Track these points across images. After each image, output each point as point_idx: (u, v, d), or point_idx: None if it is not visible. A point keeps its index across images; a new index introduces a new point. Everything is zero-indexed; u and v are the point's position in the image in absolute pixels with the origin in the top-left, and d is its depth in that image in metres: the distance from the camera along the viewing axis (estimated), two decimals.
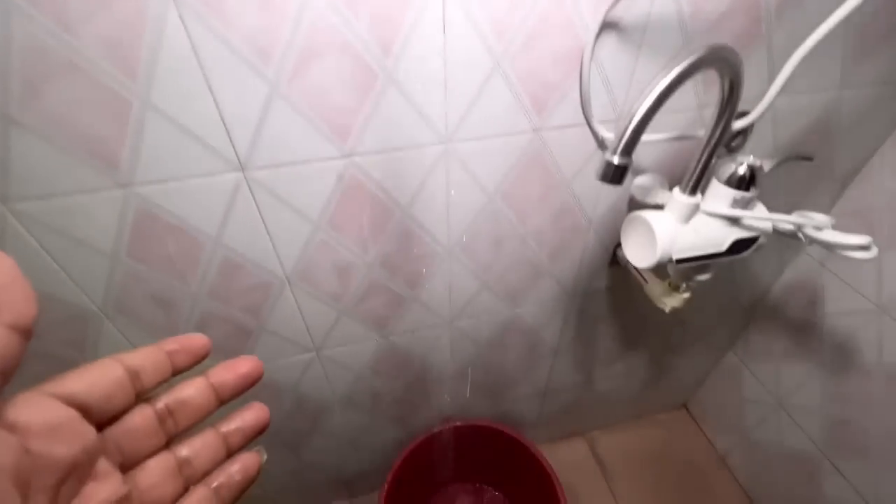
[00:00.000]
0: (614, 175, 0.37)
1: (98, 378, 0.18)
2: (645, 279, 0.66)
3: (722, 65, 0.38)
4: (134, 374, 0.19)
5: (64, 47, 0.37)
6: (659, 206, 0.55)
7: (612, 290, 0.81)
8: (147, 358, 0.20)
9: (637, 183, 0.59)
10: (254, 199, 0.51)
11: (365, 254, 0.60)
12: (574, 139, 0.56)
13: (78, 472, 0.17)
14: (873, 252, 0.45)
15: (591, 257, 0.73)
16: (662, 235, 0.50)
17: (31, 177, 0.43)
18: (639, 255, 0.54)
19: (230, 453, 0.23)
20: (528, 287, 0.75)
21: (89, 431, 0.17)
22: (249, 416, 0.23)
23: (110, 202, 0.47)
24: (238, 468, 0.22)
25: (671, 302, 0.62)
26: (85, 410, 0.17)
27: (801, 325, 0.92)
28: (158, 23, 0.38)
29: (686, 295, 0.62)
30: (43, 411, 0.16)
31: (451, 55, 0.45)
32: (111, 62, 0.39)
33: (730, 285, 0.91)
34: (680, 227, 0.51)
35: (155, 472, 0.20)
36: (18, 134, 0.40)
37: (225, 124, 0.45)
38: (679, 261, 0.52)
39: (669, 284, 0.63)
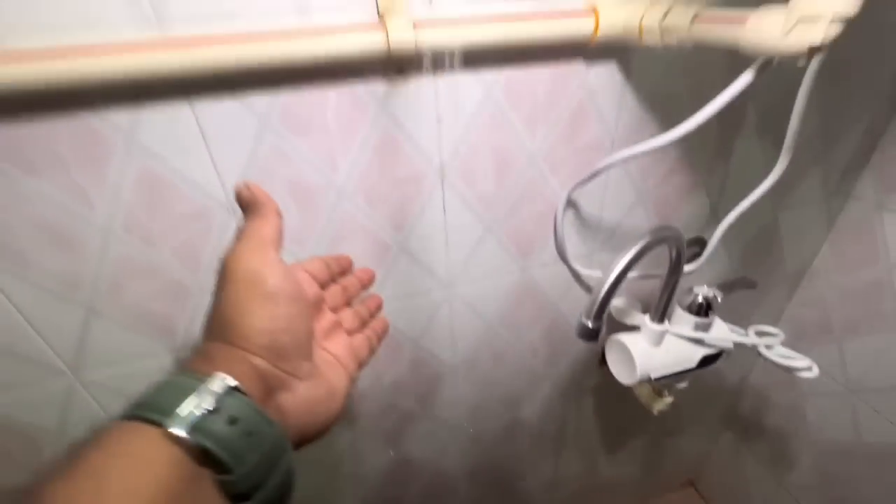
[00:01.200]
0: (590, 335, 0.46)
1: (315, 263, 0.39)
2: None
3: (668, 241, 0.48)
4: (327, 264, 0.41)
5: (145, 256, 0.46)
6: (634, 327, 0.64)
7: (605, 387, 0.88)
8: (331, 260, 0.42)
9: (614, 304, 0.68)
10: None
11: (379, 381, 0.68)
12: (556, 272, 0.66)
13: (315, 306, 0.36)
14: (815, 372, 0.53)
15: (584, 361, 0.81)
16: (640, 359, 0.58)
17: (101, 350, 0.51)
18: (622, 372, 0.62)
19: (372, 317, 0.44)
20: (528, 391, 0.81)
21: (316, 286, 0.37)
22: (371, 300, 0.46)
23: (165, 364, 0.54)
24: (380, 322, 0.44)
25: (657, 406, 0.69)
26: (313, 276, 0.38)
27: (784, 405, 0.99)
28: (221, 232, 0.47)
29: (670, 399, 0.69)
30: (303, 276, 0.36)
31: (450, 226, 0.56)
32: (180, 262, 0.48)
33: (714, 373, 0.98)
34: (654, 350, 0.60)
35: (348, 315, 0.40)
36: (97, 320, 0.49)
37: None
38: (657, 379, 0.60)
39: (654, 390, 0.70)
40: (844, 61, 0.59)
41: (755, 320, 0.91)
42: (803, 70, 0.34)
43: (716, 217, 0.69)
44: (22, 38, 0.34)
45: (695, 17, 0.37)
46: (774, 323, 0.96)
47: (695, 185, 0.64)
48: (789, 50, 0.29)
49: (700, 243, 0.73)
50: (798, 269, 0.87)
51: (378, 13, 0.40)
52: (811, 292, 0.88)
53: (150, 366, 0.53)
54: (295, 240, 0.51)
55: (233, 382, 0.24)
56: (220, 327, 0.29)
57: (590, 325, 0.45)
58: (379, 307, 0.46)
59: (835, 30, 0.27)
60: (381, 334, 0.43)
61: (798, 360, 0.54)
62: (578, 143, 0.54)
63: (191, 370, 0.25)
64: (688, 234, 0.71)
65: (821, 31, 0.27)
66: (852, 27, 0.28)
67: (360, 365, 0.39)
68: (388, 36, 0.38)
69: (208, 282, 0.50)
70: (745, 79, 0.33)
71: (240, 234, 0.32)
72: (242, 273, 0.29)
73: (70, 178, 0.41)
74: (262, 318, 0.29)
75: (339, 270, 0.43)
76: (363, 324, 0.42)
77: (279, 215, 0.33)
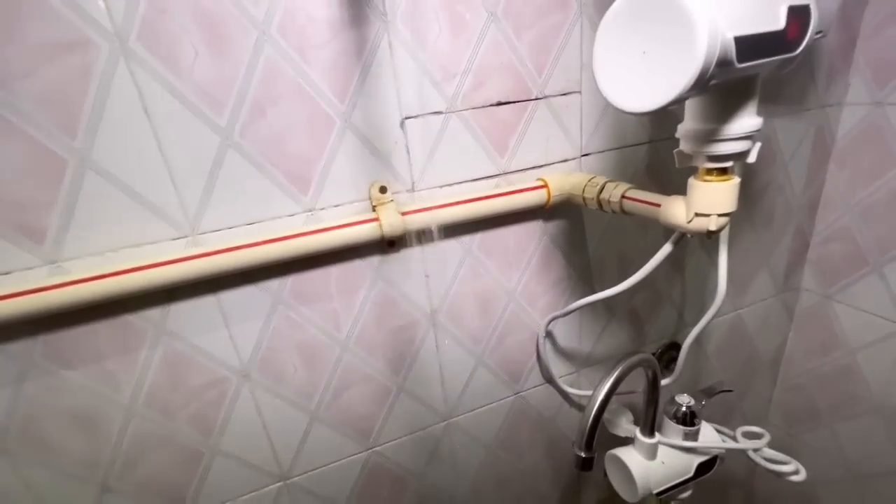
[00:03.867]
0: (584, 465, 0.49)
1: None
2: None
3: (644, 366, 0.54)
4: None
5: (162, 429, 0.50)
6: (629, 439, 0.66)
7: (613, 499, 0.86)
8: None
9: (606, 418, 0.72)
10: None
11: None
12: (546, 393, 0.70)
13: None
14: (802, 475, 0.56)
15: (587, 478, 0.81)
16: (639, 476, 0.60)
17: None
18: (624, 488, 0.64)
19: None
20: None
21: None
22: None
23: None
24: None
25: None
26: None
27: (795, 498, 0.97)
28: None
29: None
30: None
31: (444, 363, 0.61)
32: (194, 428, 0.51)
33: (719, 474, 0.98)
34: (651, 464, 0.62)
35: None
36: (109, 497, 0.50)
37: (266, 434, 0.56)
38: (659, 493, 0.61)
39: (661, 502, 0.70)
40: (764, 183, 0.71)
41: (746, 410, 0.94)
42: None
43: (683, 320, 0.76)
44: (83, 262, 0.41)
45: (623, 195, 0.46)
46: (765, 410, 0.98)
47: (659, 299, 0.72)
48: (694, 231, 0.38)
49: (675, 347, 0.79)
50: (774, 358, 0.92)
51: (372, 207, 0.49)
52: (791, 379, 0.92)
53: None
54: (304, 394, 0.55)
55: None
56: None
57: (583, 455, 0.49)
58: None
59: (723, 222, 0.36)
60: None
61: (785, 465, 0.57)
62: (549, 279, 0.62)
63: None
64: (662, 341, 0.77)
65: (713, 223, 0.36)
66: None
67: None
68: (380, 225, 0.47)
69: (219, 444, 0.52)
70: (666, 248, 0.42)
71: None
72: None
73: (102, 367, 0.45)
74: None
75: None
76: None
77: None
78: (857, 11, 0.66)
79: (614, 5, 0.28)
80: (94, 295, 0.40)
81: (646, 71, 0.27)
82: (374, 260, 0.52)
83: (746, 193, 0.71)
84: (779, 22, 0.27)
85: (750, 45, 0.26)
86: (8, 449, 0.44)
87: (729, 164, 0.35)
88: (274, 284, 0.49)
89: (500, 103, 0.51)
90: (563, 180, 0.54)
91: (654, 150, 0.61)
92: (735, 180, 0.36)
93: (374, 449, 0.61)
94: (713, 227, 0.36)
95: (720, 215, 0.36)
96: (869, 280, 0.76)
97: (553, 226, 0.59)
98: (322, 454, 0.59)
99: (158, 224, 0.43)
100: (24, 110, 0.36)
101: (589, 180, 0.51)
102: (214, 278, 0.44)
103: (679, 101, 0.27)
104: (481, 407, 0.66)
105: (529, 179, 0.55)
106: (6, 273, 0.40)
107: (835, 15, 0.50)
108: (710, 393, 0.67)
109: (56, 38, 0.36)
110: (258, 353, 0.51)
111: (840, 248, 0.79)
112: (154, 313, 0.45)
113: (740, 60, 0.26)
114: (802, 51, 0.31)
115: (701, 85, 0.26)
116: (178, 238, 0.44)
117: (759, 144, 0.35)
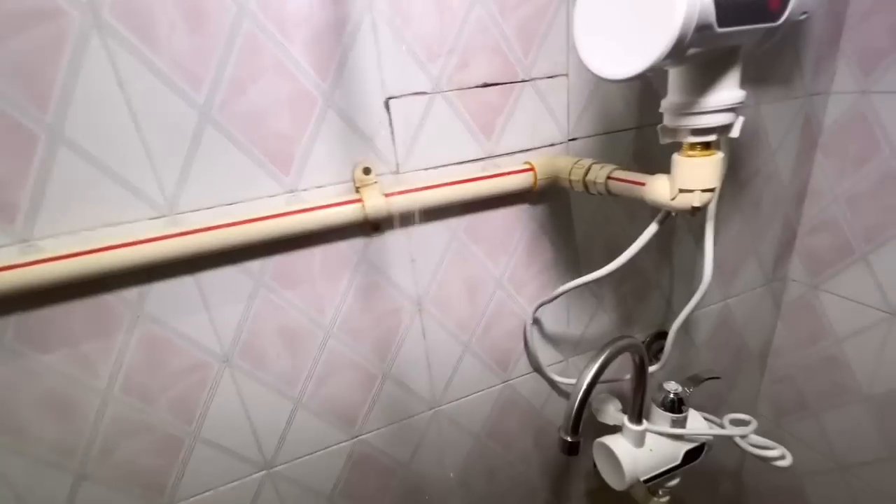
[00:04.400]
0: (570, 449, 0.49)
1: None
2: None
3: (630, 350, 0.53)
4: None
5: (140, 415, 0.49)
6: (616, 427, 0.66)
7: (602, 490, 0.86)
8: None
9: (594, 406, 0.71)
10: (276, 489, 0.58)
11: None
12: (536, 380, 0.70)
13: None
14: (788, 460, 0.56)
15: (576, 467, 0.81)
16: (627, 464, 0.60)
17: None
18: (612, 476, 0.63)
19: None
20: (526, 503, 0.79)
21: None
22: None
23: None
24: None
25: None
26: None
27: (784, 488, 0.97)
28: None
29: (665, 499, 0.69)
30: None
31: (431, 350, 0.60)
32: (174, 415, 0.50)
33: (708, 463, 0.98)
34: (638, 452, 0.62)
35: None
36: (86, 484, 0.49)
37: (249, 421, 0.55)
38: (646, 481, 0.61)
39: (648, 490, 0.70)
40: (752, 172, 0.71)
41: (735, 401, 0.95)
42: None
43: (672, 309, 0.76)
44: (57, 240, 0.40)
45: (608, 176, 0.46)
46: (753, 402, 0.99)
47: (647, 286, 0.72)
48: (678, 208, 0.38)
49: (664, 336, 0.78)
50: (762, 349, 0.92)
51: (355, 189, 0.49)
52: (779, 370, 0.92)
53: None
54: (287, 380, 0.54)
55: None
56: None
57: (569, 439, 0.48)
58: None
59: (707, 197, 0.36)
60: None
61: (771, 450, 0.57)
62: (536, 265, 0.62)
63: None
64: (650, 329, 0.77)
65: (696, 199, 0.36)
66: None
67: None
68: (364, 206, 0.46)
69: (200, 431, 0.52)
70: (652, 228, 0.42)
71: None
72: None
73: (79, 351, 0.44)
74: None
75: None
76: None
77: None
78: (842, 2, 0.67)
79: None
80: (68, 273, 0.39)
81: (625, 37, 0.27)
82: (358, 243, 0.51)
83: (734, 182, 0.71)
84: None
85: (730, 9, 0.26)
86: None
87: (712, 137, 0.34)
88: (255, 266, 0.48)
89: (485, 84, 0.51)
90: (549, 163, 0.54)
91: (642, 135, 0.61)
92: (718, 155, 0.35)
93: (359, 437, 0.61)
94: (697, 203, 0.36)
95: (704, 191, 0.36)
96: (855, 269, 0.76)
97: (540, 210, 0.59)
98: (306, 442, 0.58)
99: (135, 203, 0.42)
100: None
101: (575, 163, 0.51)
102: (193, 258, 0.43)
103: (658, 66, 0.27)
104: (469, 395, 0.66)
105: (516, 163, 0.55)
106: None
107: None
108: (697, 380, 0.67)
109: (26, 7, 0.35)
110: (239, 338, 0.50)
111: (827, 238, 0.79)
112: (131, 294, 0.44)
113: (720, 24, 0.26)
114: (784, 23, 0.31)
115: (680, 50, 0.26)
116: (155, 217, 0.43)
117: (742, 119, 0.34)
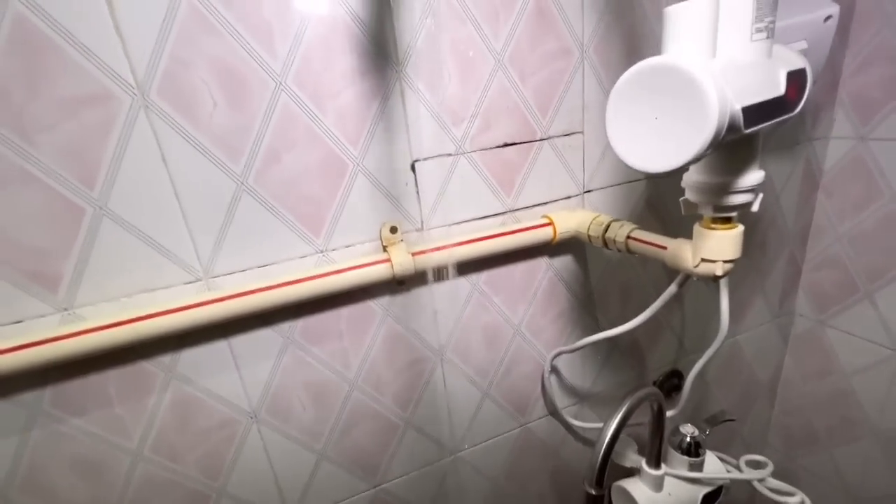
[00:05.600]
0: (594, 502, 0.49)
1: None
2: None
3: (650, 400, 0.54)
4: None
5: (168, 473, 0.49)
6: (634, 470, 0.67)
7: None
8: None
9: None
10: None
11: None
12: (550, 424, 0.70)
13: None
14: None
15: None
16: None
17: None
18: None
19: None
20: None
21: None
22: None
23: None
24: None
25: None
26: None
27: None
28: None
29: None
30: None
31: (451, 397, 0.61)
32: (201, 471, 0.50)
33: None
34: (657, 497, 0.62)
35: None
36: None
37: (273, 474, 0.55)
38: None
39: None
40: (757, 215, 0.73)
41: (746, 435, 0.95)
42: None
43: (683, 347, 0.77)
44: (96, 308, 0.41)
45: (628, 236, 0.48)
46: (765, 435, 0.99)
47: (659, 328, 0.73)
48: (701, 275, 0.39)
49: (677, 375, 0.80)
50: (771, 383, 0.93)
51: (382, 247, 0.50)
52: (789, 403, 0.93)
53: None
54: (311, 433, 0.54)
55: None
56: None
57: (594, 492, 0.49)
58: None
59: (729, 267, 0.38)
60: None
61: (790, 497, 0.58)
62: (553, 312, 0.63)
63: None
64: (663, 368, 0.78)
65: (719, 269, 0.37)
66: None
67: None
68: (392, 265, 0.48)
69: (226, 486, 0.52)
70: (671, 290, 0.43)
71: None
72: None
73: (111, 413, 0.45)
74: None
75: None
76: None
77: None
78: (839, 53, 0.70)
79: (625, 74, 0.30)
80: (106, 343, 0.40)
81: (658, 135, 0.29)
82: (383, 299, 0.53)
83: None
84: (779, 88, 0.29)
85: (755, 112, 0.28)
86: (12, 500, 0.43)
87: (734, 213, 0.36)
88: (285, 326, 0.49)
89: (506, 144, 0.53)
90: (568, 218, 0.55)
91: (654, 185, 0.63)
92: (739, 228, 0.37)
93: (380, 486, 0.61)
94: (720, 273, 0.38)
95: (726, 262, 0.37)
96: (861, 306, 0.78)
97: (558, 261, 0.60)
98: (329, 493, 0.58)
99: (172, 269, 0.43)
100: (45, 162, 0.37)
101: (594, 219, 0.53)
102: (227, 322, 0.44)
103: (692, 163, 0.29)
104: (488, 440, 0.66)
105: (534, 216, 0.56)
106: (17, 321, 0.40)
107: (824, 64, 0.53)
108: (713, 422, 0.68)
109: (79, 93, 0.36)
110: (267, 394, 0.51)
111: (831, 275, 0.81)
112: (165, 358, 0.45)
113: (747, 126, 0.28)
114: (801, 108, 0.33)
115: (712, 148, 0.28)
116: (191, 282, 0.44)
117: (761, 196, 0.36)
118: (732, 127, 0.28)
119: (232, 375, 0.48)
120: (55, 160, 0.37)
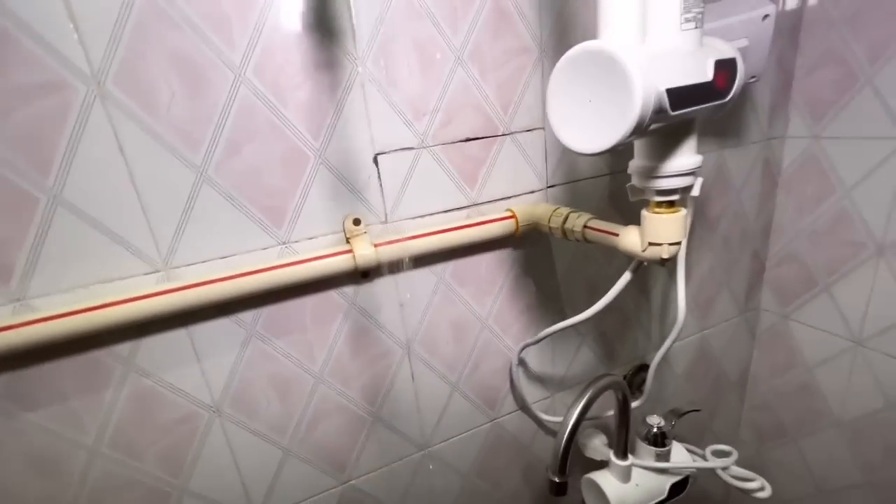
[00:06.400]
0: (559, 490, 0.50)
1: None
2: None
3: (613, 389, 0.55)
4: None
5: (127, 470, 0.48)
6: (603, 462, 0.67)
7: None
8: None
9: (581, 442, 0.73)
10: None
11: None
12: (521, 419, 0.71)
13: None
14: (767, 492, 0.58)
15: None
16: (615, 500, 0.61)
17: None
18: None
19: None
20: None
21: None
22: None
23: None
24: None
25: None
26: None
27: None
28: None
29: None
30: None
31: (420, 391, 0.61)
32: (162, 468, 0.50)
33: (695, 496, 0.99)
34: (625, 487, 0.63)
35: None
36: None
37: (237, 471, 0.54)
38: None
39: None
40: (720, 211, 0.76)
41: (718, 429, 0.97)
42: None
43: (651, 341, 0.79)
44: (51, 299, 0.41)
45: (584, 225, 0.49)
46: (735, 429, 1.01)
47: (627, 323, 0.75)
48: (649, 259, 0.41)
49: (645, 369, 0.81)
50: (740, 377, 0.95)
51: (346, 239, 0.51)
52: (757, 397, 0.95)
53: None
54: (277, 428, 0.54)
55: None
56: None
57: (556, 480, 0.50)
58: None
59: (674, 250, 0.39)
60: None
61: (751, 482, 0.59)
62: (521, 305, 0.64)
63: None
64: (633, 362, 0.80)
65: (665, 252, 0.39)
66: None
67: None
68: (354, 256, 0.48)
69: (188, 484, 0.51)
70: (626, 276, 0.45)
71: None
72: None
73: (67, 407, 0.44)
74: None
75: None
76: None
77: None
78: (790, 55, 0.73)
79: (560, 60, 0.31)
80: (60, 332, 0.39)
81: (592, 117, 0.30)
82: (348, 290, 0.53)
83: (704, 219, 0.75)
84: (707, 74, 0.31)
85: (681, 95, 0.30)
86: None
87: (675, 197, 0.38)
88: (248, 317, 0.49)
89: (468, 139, 0.54)
90: (530, 211, 0.57)
91: (615, 180, 0.65)
92: (682, 212, 0.39)
93: (349, 482, 0.60)
94: (665, 255, 0.39)
95: (671, 244, 0.39)
96: (820, 299, 0.81)
97: (522, 254, 0.62)
98: (295, 490, 0.57)
99: (130, 259, 0.43)
100: None
101: (554, 211, 0.54)
102: (187, 312, 0.44)
103: (623, 144, 0.30)
104: (458, 435, 0.66)
105: (498, 210, 0.58)
106: None
107: (765, 61, 0.55)
108: (678, 413, 0.69)
109: (32, 81, 0.37)
110: (230, 387, 0.50)
111: (792, 270, 0.84)
112: (123, 349, 0.45)
113: (673, 108, 0.29)
114: (733, 97, 0.35)
115: (640, 130, 0.29)
116: (150, 273, 0.44)
117: (700, 179, 0.38)
118: (660, 109, 0.29)
119: (193, 368, 0.48)
120: (7, 148, 0.37)
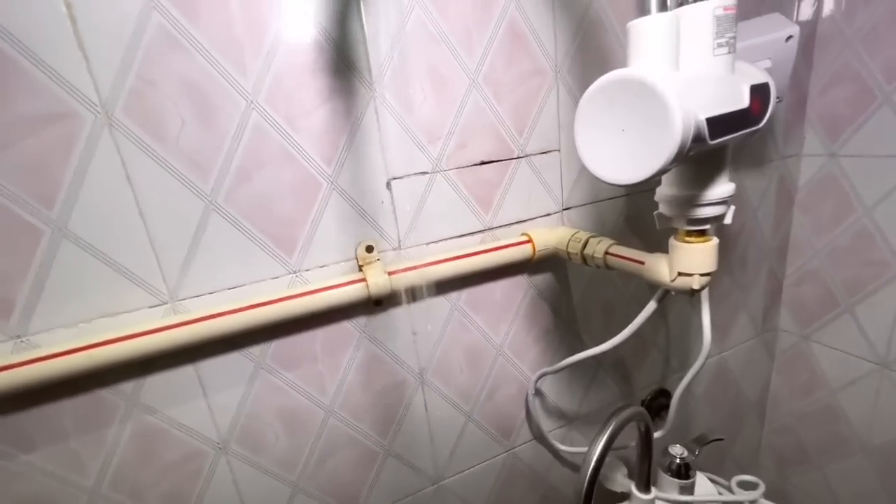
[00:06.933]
0: None
1: None
2: None
3: (636, 420, 0.53)
4: None
5: None
6: (624, 495, 0.64)
7: None
8: None
9: (601, 473, 0.70)
10: None
11: None
12: (536, 448, 0.68)
13: None
14: None
15: None
16: None
17: None
18: None
19: None
20: None
21: None
22: None
23: None
24: None
25: None
26: None
27: None
28: None
29: None
30: None
31: (433, 422, 0.59)
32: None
33: None
34: None
35: None
36: None
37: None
38: None
39: None
40: (736, 230, 0.74)
41: (737, 454, 0.93)
42: None
43: (670, 365, 0.76)
44: (53, 334, 0.39)
45: (606, 251, 0.47)
46: (755, 453, 0.98)
47: (645, 347, 0.72)
48: (678, 289, 0.39)
49: (664, 394, 0.78)
50: (759, 399, 0.93)
51: (358, 266, 0.49)
52: (778, 420, 0.92)
53: None
54: (285, 463, 0.52)
55: None
56: None
57: None
58: None
59: (706, 281, 0.37)
60: None
61: None
62: (536, 331, 0.62)
63: None
64: (650, 387, 0.77)
65: (696, 282, 0.37)
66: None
67: None
68: (367, 285, 0.46)
69: None
70: (651, 306, 0.43)
71: None
72: None
73: (66, 447, 0.42)
74: None
75: None
76: None
77: None
78: (804, 75, 0.72)
79: (589, 89, 0.30)
80: (59, 371, 0.37)
81: (626, 147, 0.29)
82: (360, 320, 0.51)
83: (721, 239, 0.73)
84: (743, 100, 0.30)
85: (720, 124, 0.28)
86: None
87: (707, 226, 0.36)
88: (256, 350, 0.47)
89: (483, 163, 0.53)
90: (547, 235, 0.55)
91: (632, 201, 0.63)
92: (714, 241, 0.37)
93: None
94: (696, 286, 0.37)
95: (702, 275, 0.37)
96: (842, 320, 0.78)
97: (538, 279, 0.60)
98: None
99: (136, 292, 0.41)
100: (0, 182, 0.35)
101: (572, 235, 0.52)
102: (194, 347, 0.42)
103: (659, 174, 0.29)
104: (472, 467, 0.64)
105: (514, 234, 0.56)
106: None
107: (788, 82, 0.54)
108: (701, 442, 0.66)
109: (40, 111, 0.35)
110: (238, 423, 0.48)
111: (811, 290, 0.82)
112: (127, 386, 0.43)
113: (712, 137, 0.28)
114: (767, 122, 0.34)
115: (678, 160, 0.28)
116: (156, 305, 0.42)
117: (733, 208, 0.36)
118: (698, 138, 0.28)
119: (199, 403, 0.46)
120: (11, 179, 0.36)
